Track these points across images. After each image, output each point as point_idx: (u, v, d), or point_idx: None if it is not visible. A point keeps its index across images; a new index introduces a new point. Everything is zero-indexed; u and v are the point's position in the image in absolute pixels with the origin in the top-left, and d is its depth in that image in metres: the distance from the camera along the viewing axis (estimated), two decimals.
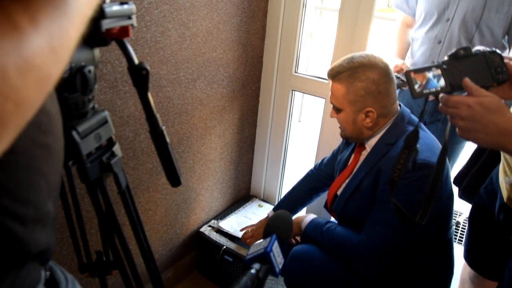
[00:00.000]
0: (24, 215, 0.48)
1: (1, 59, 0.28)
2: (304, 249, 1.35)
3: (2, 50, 0.28)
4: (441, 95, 0.80)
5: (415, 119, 1.27)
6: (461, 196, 1.24)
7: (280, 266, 0.86)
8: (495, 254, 1.22)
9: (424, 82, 0.80)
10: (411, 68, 0.85)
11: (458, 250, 2.29)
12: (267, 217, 1.67)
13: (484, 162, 1.16)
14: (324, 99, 1.85)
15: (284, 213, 1.19)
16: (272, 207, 2.10)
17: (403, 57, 1.96)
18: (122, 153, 1.30)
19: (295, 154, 2.82)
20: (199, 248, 1.90)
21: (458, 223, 2.61)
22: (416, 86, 0.80)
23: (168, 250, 1.78)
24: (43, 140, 0.49)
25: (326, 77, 1.80)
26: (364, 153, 1.32)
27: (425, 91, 0.80)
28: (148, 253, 0.96)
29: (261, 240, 0.91)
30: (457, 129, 0.78)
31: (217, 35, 1.57)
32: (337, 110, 1.29)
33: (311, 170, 1.70)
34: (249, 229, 1.67)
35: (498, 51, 0.80)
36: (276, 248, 0.87)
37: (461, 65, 0.79)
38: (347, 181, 1.35)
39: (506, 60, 0.79)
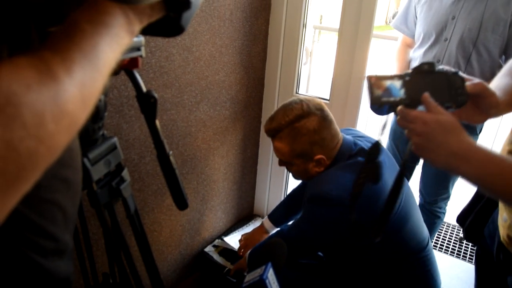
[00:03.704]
0: (45, 247, 0.50)
1: (40, 106, 0.31)
2: (296, 276, 1.37)
3: (41, 98, 0.31)
4: (399, 107, 0.77)
5: (364, 145, 1.27)
6: (466, 237, 1.15)
7: None
8: None
9: (384, 90, 0.77)
10: (376, 74, 0.82)
11: (464, 267, 2.31)
12: (261, 225, 1.68)
13: (488, 200, 1.08)
14: None
15: (278, 241, 1.22)
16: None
17: None
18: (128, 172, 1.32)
19: None
20: (203, 268, 1.91)
21: (462, 238, 2.61)
22: (375, 93, 0.77)
23: (173, 271, 1.79)
24: (64, 174, 0.51)
25: (327, 98, 1.84)
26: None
27: (384, 99, 0.77)
28: (155, 275, 0.97)
29: (257, 268, 0.93)
30: (412, 145, 0.76)
31: (220, 58, 1.61)
32: (285, 164, 1.30)
33: None
34: (243, 237, 1.70)
35: (461, 73, 0.78)
36: (271, 276, 0.89)
37: (423, 80, 0.77)
38: None
39: (467, 83, 0.77)
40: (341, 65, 1.75)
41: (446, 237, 2.61)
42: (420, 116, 0.72)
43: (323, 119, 1.21)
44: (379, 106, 0.77)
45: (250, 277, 0.90)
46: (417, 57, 1.87)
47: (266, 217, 1.70)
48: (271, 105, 1.99)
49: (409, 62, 1.96)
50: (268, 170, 2.15)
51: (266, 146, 2.10)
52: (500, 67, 1.75)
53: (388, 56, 2.19)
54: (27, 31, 0.45)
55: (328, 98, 1.85)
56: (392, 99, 0.77)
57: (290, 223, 1.64)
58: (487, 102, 0.78)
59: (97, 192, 0.74)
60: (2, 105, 0.29)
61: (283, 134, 1.22)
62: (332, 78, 1.80)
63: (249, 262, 1.43)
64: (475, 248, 1.19)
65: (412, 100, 0.76)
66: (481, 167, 0.69)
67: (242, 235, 1.73)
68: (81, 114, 0.37)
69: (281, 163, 1.33)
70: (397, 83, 0.77)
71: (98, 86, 0.39)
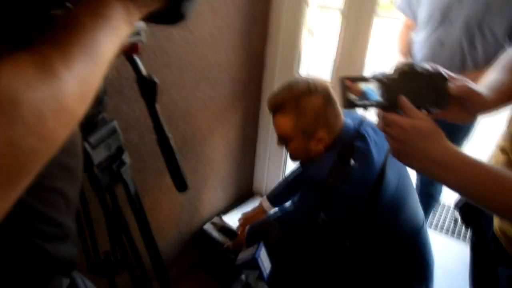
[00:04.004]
0: (48, 233, 0.52)
1: (40, 104, 0.31)
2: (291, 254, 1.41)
3: (41, 95, 0.31)
4: (378, 110, 0.73)
5: (365, 131, 1.24)
6: (463, 222, 1.15)
7: (268, 271, 0.92)
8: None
9: (359, 93, 0.73)
10: (350, 75, 0.77)
11: (443, 242, 2.35)
12: (259, 205, 1.71)
13: None
14: None
15: (271, 222, 1.25)
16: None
17: (405, 55, 1.99)
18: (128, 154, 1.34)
19: None
20: (202, 245, 1.94)
21: (456, 220, 2.65)
22: (350, 95, 0.72)
23: (172, 248, 1.83)
24: (64, 162, 0.52)
25: (328, 79, 1.84)
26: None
27: (359, 102, 0.72)
28: (155, 251, 1.00)
29: (250, 247, 0.97)
30: (390, 149, 0.74)
31: (220, 38, 1.60)
32: (285, 141, 1.29)
33: None
34: (242, 217, 1.72)
35: (444, 74, 0.74)
36: (263, 254, 0.93)
37: (402, 82, 0.72)
38: None
39: (451, 84, 0.73)
40: (344, 45, 1.74)
41: (441, 216, 2.65)
42: (397, 121, 0.69)
43: (328, 99, 1.21)
44: (354, 108, 0.73)
45: (243, 255, 0.93)
46: (420, 40, 1.85)
47: (264, 197, 1.72)
48: (271, 85, 1.98)
49: (411, 44, 1.95)
50: (267, 149, 2.17)
51: (266, 125, 2.10)
52: (505, 49, 1.74)
53: (391, 36, 2.16)
54: (26, 29, 0.45)
55: (329, 79, 1.85)
56: (367, 102, 0.72)
57: (287, 204, 1.67)
58: (474, 103, 0.76)
59: (98, 175, 0.76)
60: (3, 104, 0.29)
61: (287, 109, 1.22)
62: (334, 58, 1.79)
63: (247, 239, 1.46)
64: (463, 221, 1.19)
65: (389, 104, 0.72)
66: (460, 175, 0.67)
67: (242, 214, 1.75)
68: (81, 108, 0.37)
69: (280, 141, 1.32)
70: (374, 85, 0.73)
71: (97, 79, 0.39)
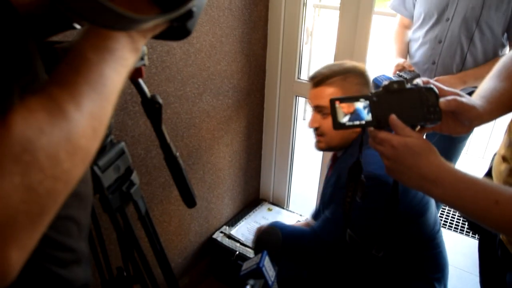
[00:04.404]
0: (63, 259, 0.53)
1: (54, 148, 0.33)
2: (292, 264, 1.40)
3: (54, 139, 0.33)
4: (370, 129, 0.73)
5: None
6: (470, 228, 1.14)
7: (273, 279, 0.93)
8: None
9: (349, 113, 0.72)
10: (340, 96, 0.76)
11: (464, 241, 2.35)
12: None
13: None
14: None
15: (273, 229, 1.25)
16: (281, 209, 2.16)
17: (403, 56, 1.99)
18: (135, 170, 1.35)
19: (302, 152, 2.86)
20: (213, 254, 1.96)
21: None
22: (340, 117, 0.72)
23: (184, 258, 1.84)
24: (75, 189, 0.54)
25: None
26: (335, 164, 1.37)
27: (348, 123, 0.72)
28: (166, 266, 1.01)
29: (253, 256, 0.98)
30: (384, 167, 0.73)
31: (220, 48, 1.61)
32: (325, 114, 1.25)
33: None
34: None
35: (435, 89, 0.73)
36: (267, 263, 0.94)
37: (392, 100, 0.72)
38: None
39: (442, 99, 0.72)
40: (343, 44, 1.74)
41: (449, 213, 2.64)
42: (388, 139, 0.69)
43: (368, 82, 1.25)
44: (345, 129, 0.73)
45: (247, 265, 0.94)
46: (417, 37, 1.85)
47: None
48: (273, 92, 1.99)
49: (408, 43, 1.95)
50: (272, 156, 2.17)
51: (270, 131, 2.11)
52: (502, 45, 1.74)
53: (388, 35, 2.16)
54: (30, 60, 0.46)
55: None
56: (357, 122, 0.72)
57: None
58: (467, 116, 0.74)
59: (109, 197, 0.77)
60: (19, 153, 0.30)
61: (335, 80, 1.22)
62: (334, 58, 1.79)
63: (254, 248, 1.46)
64: (469, 227, 1.19)
65: (379, 122, 0.72)
66: (453, 191, 0.66)
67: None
68: (94, 144, 0.38)
69: (316, 119, 1.27)
70: (364, 105, 0.72)
71: (107, 113, 0.40)
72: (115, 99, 0.41)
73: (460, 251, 2.28)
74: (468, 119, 0.75)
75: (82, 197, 0.57)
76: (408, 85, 0.72)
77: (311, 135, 1.34)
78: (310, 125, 1.28)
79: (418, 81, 0.75)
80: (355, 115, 0.72)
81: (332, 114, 0.72)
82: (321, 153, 2.04)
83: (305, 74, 2.32)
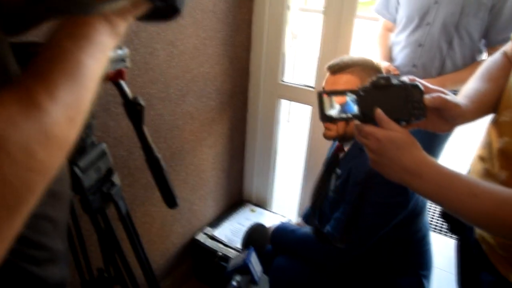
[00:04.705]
0: (37, 257, 0.53)
1: (27, 140, 0.33)
2: (286, 260, 1.41)
3: (27, 131, 0.33)
4: (356, 122, 0.75)
5: None
6: (450, 229, 1.17)
7: (259, 275, 0.95)
8: None
9: (338, 106, 0.74)
10: (326, 89, 0.78)
11: (441, 241, 2.40)
12: None
13: None
14: (311, 107, 1.91)
15: (259, 226, 1.27)
16: (264, 210, 2.18)
17: (387, 59, 2.03)
18: (117, 171, 1.35)
19: (285, 155, 2.89)
20: (195, 255, 1.96)
21: (442, 215, 2.70)
22: (326, 110, 0.74)
23: (166, 259, 1.84)
24: (51, 187, 0.54)
25: (312, 85, 1.87)
26: (341, 156, 1.37)
27: (335, 116, 0.74)
28: (147, 267, 1.01)
29: (239, 253, 0.99)
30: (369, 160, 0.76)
31: (204, 50, 1.62)
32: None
33: None
34: None
35: (420, 86, 0.75)
36: (254, 259, 0.96)
37: (378, 95, 0.74)
38: None
39: (426, 96, 0.75)
40: (326, 47, 1.77)
41: (428, 213, 2.69)
42: (373, 132, 0.72)
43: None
44: (331, 121, 0.75)
45: (234, 262, 0.96)
46: (400, 41, 1.90)
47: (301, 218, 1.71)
48: (257, 94, 2.01)
49: (391, 46, 1.99)
50: (255, 157, 2.19)
51: (253, 134, 2.13)
52: (479, 51, 1.80)
53: (371, 39, 2.20)
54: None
55: (313, 85, 1.88)
56: (344, 115, 0.74)
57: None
58: (451, 114, 0.77)
59: (89, 198, 0.77)
60: None
61: (355, 69, 1.24)
62: (319, 59, 1.81)
63: (243, 243, 1.47)
64: (449, 230, 1.22)
65: (365, 116, 0.74)
66: (433, 183, 0.69)
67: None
68: (71, 133, 0.38)
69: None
70: (351, 98, 0.74)
71: (86, 101, 0.40)
72: (94, 86, 0.41)
73: (439, 250, 2.32)
74: (451, 116, 0.77)
75: (58, 195, 0.57)
76: (395, 81, 0.75)
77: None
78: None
79: (405, 78, 0.77)
80: (340, 108, 0.74)
81: (319, 106, 0.74)
82: (303, 155, 2.06)
83: (290, 77, 2.34)
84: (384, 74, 0.78)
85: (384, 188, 1.15)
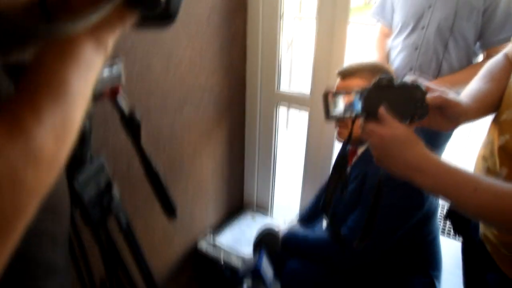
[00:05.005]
0: (35, 273, 0.54)
1: (13, 164, 0.34)
2: (298, 264, 1.42)
3: (13, 155, 0.34)
4: (360, 121, 0.78)
5: None
6: (454, 229, 1.20)
7: (270, 278, 0.95)
8: None
9: (347, 105, 0.78)
10: (333, 89, 0.82)
11: (446, 243, 2.40)
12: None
13: None
14: (307, 112, 1.94)
15: (270, 229, 1.28)
16: (265, 217, 2.19)
17: (384, 63, 2.06)
18: (117, 184, 1.37)
19: (284, 161, 2.91)
20: (197, 263, 1.97)
21: (445, 217, 2.70)
22: (331, 109, 0.78)
23: (168, 268, 1.85)
24: (49, 203, 0.55)
25: (308, 92, 1.89)
26: (354, 159, 1.38)
27: (340, 116, 0.78)
28: (149, 278, 1.03)
29: (251, 256, 1.00)
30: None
31: (200, 62, 1.65)
32: None
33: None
34: None
35: (422, 86, 0.78)
36: (265, 263, 0.96)
37: (382, 94, 0.77)
38: None
39: (429, 95, 0.78)
40: (321, 53, 1.79)
41: None
42: (376, 130, 0.74)
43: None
44: (336, 120, 0.78)
45: (245, 265, 0.96)
46: (396, 45, 1.93)
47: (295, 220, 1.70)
48: (254, 102, 2.04)
49: (389, 51, 2.02)
50: (255, 163, 2.21)
51: (252, 141, 2.15)
52: (475, 54, 1.82)
53: (367, 42, 2.23)
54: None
55: (309, 91, 1.90)
56: (348, 115, 0.78)
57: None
58: (453, 112, 0.80)
59: (90, 212, 0.79)
60: None
61: (364, 74, 1.25)
62: (313, 66, 1.83)
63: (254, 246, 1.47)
64: (453, 229, 1.25)
65: (368, 114, 0.76)
66: (436, 179, 0.71)
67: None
68: (59, 151, 0.39)
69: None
70: (356, 98, 0.78)
71: (74, 119, 0.40)
72: (83, 104, 0.41)
73: (442, 251, 2.33)
74: (453, 114, 0.80)
75: (56, 210, 0.57)
76: (398, 81, 0.78)
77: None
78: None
79: (406, 78, 0.80)
80: (345, 107, 0.78)
81: (324, 106, 0.77)
82: (303, 162, 2.08)
83: (286, 85, 2.37)
84: (387, 75, 0.81)
85: (400, 191, 1.17)
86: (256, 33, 1.89)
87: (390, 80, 0.77)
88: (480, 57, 1.85)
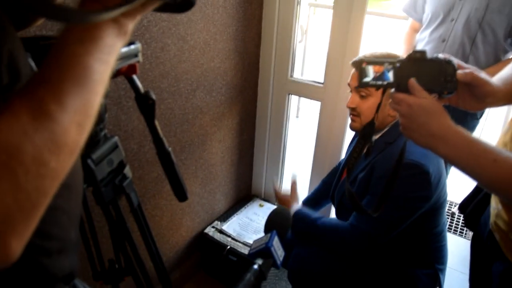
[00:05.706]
0: (49, 248, 0.55)
1: (39, 149, 0.35)
2: (306, 250, 1.42)
3: (39, 141, 0.35)
4: (391, 91, 0.81)
5: None
6: (465, 224, 1.21)
7: (281, 259, 0.94)
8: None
9: (374, 74, 0.80)
10: (367, 58, 0.85)
11: (453, 240, 2.39)
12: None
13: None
14: (320, 102, 1.92)
15: (282, 209, 1.27)
16: (272, 205, 2.19)
17: None
18: (128, 164, 1.37)
19: (294, 150, 2.89)
20: (204, 248, 1.98)
21: (453, 213, 2.69)
22: (364, 77, 0.80)
23: (175, 252, 1.86)
24: (65, 181, 0.55)
25: (321, 81, 1.87)
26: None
27: (373, 82, 0.81)
28: (157, 259, 1.03)
29: (262, 235, 0.99)
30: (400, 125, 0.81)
31: (214, 45, 1.63)
32: (363, 96, 1.29)
33: (338, 163, 1.76)
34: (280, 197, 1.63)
35: (454, 62, 0.80)
36: (276, 243, 0.95)
37: (414, 67, 0.79)
38: None
39: (459, 71, 0.79)
40: (336, 43, 1.76)
41: None
42: (405, 99, 0.77)
43: None
44: (368, 87, 0.80)
45: (256, 244, 0.95)
46: (423, 37, 1.89)
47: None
48: (266, 89, 2.02)
49: (416, 46, 1.99)
50: (264, 152, 2.20)
51: (262, 128, 2.13)
52: (504, 50, 1.77)
53: (384, 33, 2.20)
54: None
55: (322, 81, 1.88)
56: (379, 82, 0.80)
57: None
58: (482, 91, 0.80)
59: (102, 190, 0.79)
60: (5, 160, 0.33)
61: (379, 63, 1.25)
62: (327, 56, 1.81)
63: (265, 225, 1.45)
64: (465, 224, 1.25)
65: (399, 84, 0.79)
66: (457, 149, 0.73)
67: (280, 195, 1.64)
68: (80, 138, 0.40)
69: (354, 100, 1.31)
70: (388, 68, 0.80)
71: (94, 105, 0.41)
72: (102, 89, 0.41)
73: (449, 249, 2.32)
74: (482, 93, 0.81)
75: (71, 187, 0.58)
76: (430, 56, 0.80)
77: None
78: (348, 105, 1.34)
79: (440, 55, 0.81)
80: (377, 76, 0.80)
81: (358, 73, 0.80)
82: (312, 151, 2.07)
83: (299, 73, 2.35)
84: (420, 49, 0.82)
85: (408, 182, 1.18)
86: (272, 19, 1.86)
87: (423, 53, 0.79)
88: (510, 55, 1.81)
